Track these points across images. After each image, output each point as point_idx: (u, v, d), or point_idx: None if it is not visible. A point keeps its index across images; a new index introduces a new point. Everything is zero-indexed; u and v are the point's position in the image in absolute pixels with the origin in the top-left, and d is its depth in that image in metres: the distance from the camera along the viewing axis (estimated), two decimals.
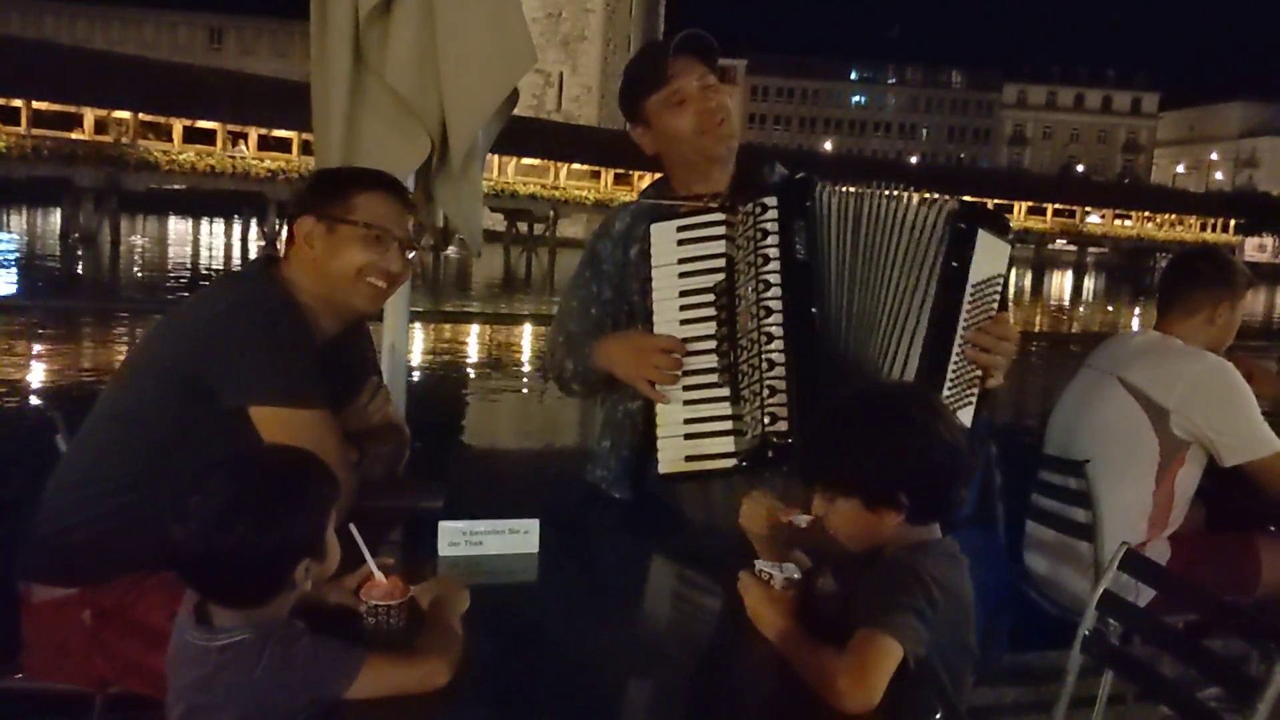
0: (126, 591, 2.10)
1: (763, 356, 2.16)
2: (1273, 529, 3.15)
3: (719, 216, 2.29)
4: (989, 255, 2.20)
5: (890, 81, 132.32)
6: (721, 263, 2.27)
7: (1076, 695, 2.30)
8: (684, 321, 2.30)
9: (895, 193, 2.20)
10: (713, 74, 2.45)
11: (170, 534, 1.52)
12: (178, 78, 45.70)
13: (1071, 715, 2.32)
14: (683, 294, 2.31)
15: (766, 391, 2.15)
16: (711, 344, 2.26)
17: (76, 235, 40.22)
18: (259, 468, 1.62)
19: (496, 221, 52.84)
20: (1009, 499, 3.43)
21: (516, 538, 2.11)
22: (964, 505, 1.92)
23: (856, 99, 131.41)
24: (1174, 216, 77.97)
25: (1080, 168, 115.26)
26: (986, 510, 3.47)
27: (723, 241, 2.28)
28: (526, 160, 52.63)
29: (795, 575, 1.82)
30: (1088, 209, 77.14)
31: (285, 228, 2.31)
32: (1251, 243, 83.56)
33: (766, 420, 2.14)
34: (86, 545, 2.11)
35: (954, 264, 2.16)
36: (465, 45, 2.75)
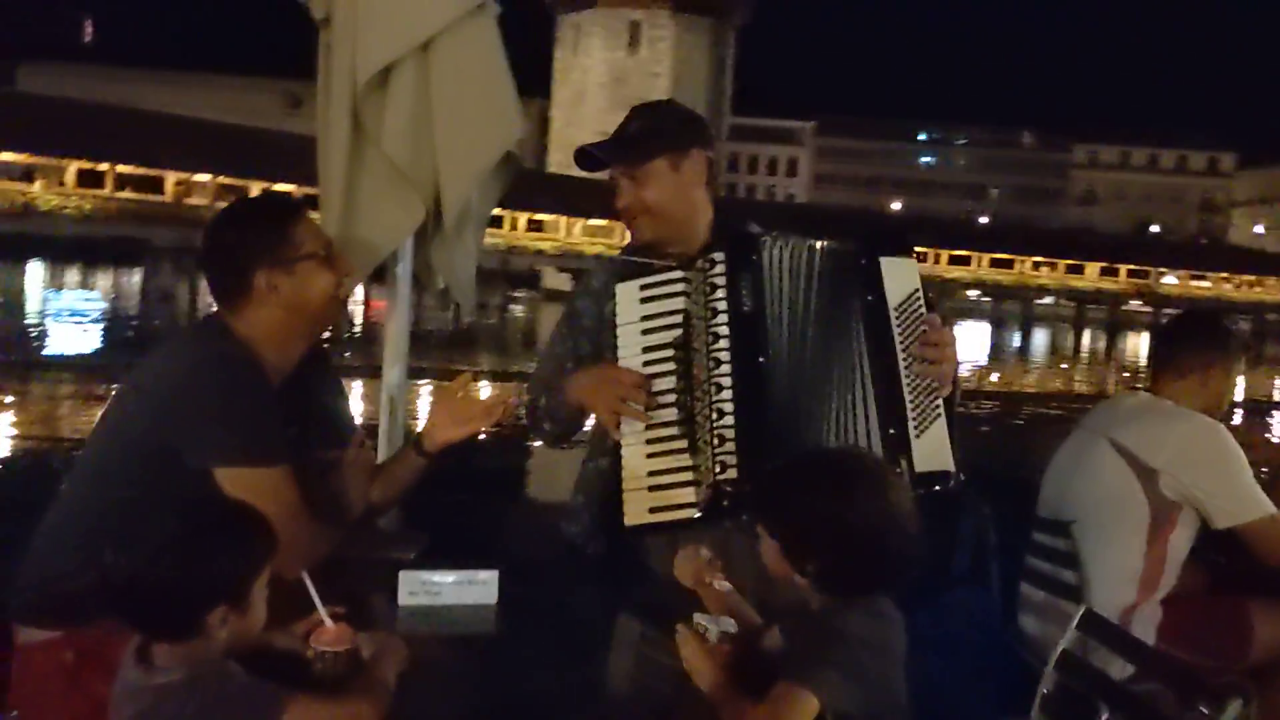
0: (105, 635, 2.18)
1: (713, 406, 2.23)
2: (1266, 594, 3.09)
3: (678, 274, 2.37)
4: (899, 276, 2.26)
5: (959, 142, 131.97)
6: (680, 319, 2.34)
7: None
8: (647, 377, 2.36)
9: (813, 242, 2.29)
10: (638, 165, 2.49)
11: (105, 560, 1.62)
12: (255, 141, 47.24)
13: None
14: (645, 349, 2.37)
15: (717, 440, 2.21)
16: (672, 397, 2.32)
17: (156, 293, 41.44)
18: (195, 511, 1.72)
19: (562, 282, 53.47)
20: (1005, 560, 3.42)
21: (475, 588, 2.19)
22: (873, 591, 1.94)
23: (924, 159, 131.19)
24: (1252, 277, 76.40)
25: (1154, 228, 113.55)
26: (981, 571, 3.47)
27: (682, 298, 2.35)
28: (594, 221, 53.43)
29: (730, 630, 1.87)
30: (1162, 270, 75.96)
31: (223, 283, 2.38)
32: None
33: (717, 469, 2.20)
34: (68, 590, 2.21)
35: (869, 298, 2.23)
36: (458, 115, 2.87)
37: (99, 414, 2.42)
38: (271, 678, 1.68)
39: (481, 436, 2.59)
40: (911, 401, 2.22)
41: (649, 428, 2.32)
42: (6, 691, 2.29)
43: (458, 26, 2.85)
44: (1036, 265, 76.77)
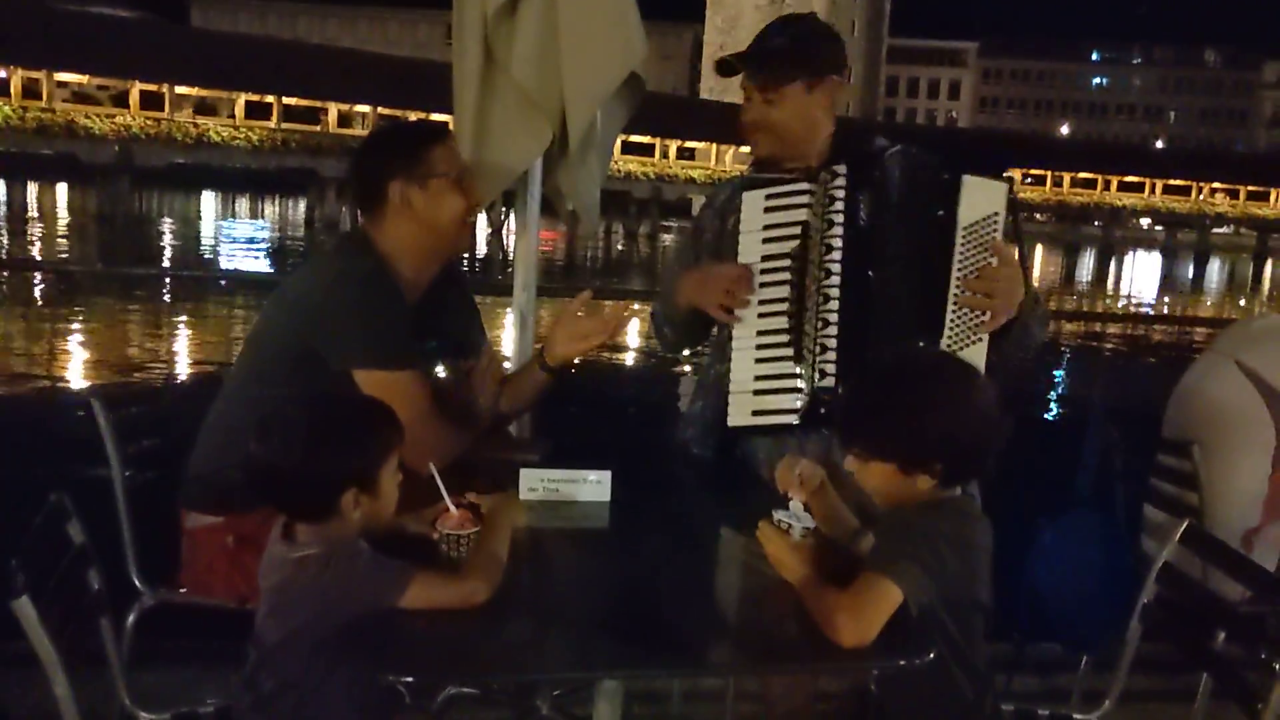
0: (263, 521, 2.41)
1: (819, 316, 2.31)
2: None
3: (804, 185, 2.44)
4: (980, 197, 2.28)
5: (1135, 61, 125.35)
6: (799, 229, 2.42)
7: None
8: (762, 285, 2.45)
9: (918, 156, 2.34)
10: (776, 85, 2.53)
11: (249, 448, 1.82)
12: (414, 72, 48.25)
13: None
14: (764, 258, 2.46)
15: (820, 349, 2.30)
16: (784, 305, 2.41)
17: (321, 222, 43.11)
18: (327, 405, 1.92)
19: None
20: (1130, 483, 3.40)
21: (590, 486, 2.33)
22: (992, 472, 2.02)
23: (1098, 80, 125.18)
24: None
25: None
26: (1106, 494, 3.45)
27: (805, 210, 2.42)
28: (745, 149, 52.92)
29: (811, 525, 1.96)
30: None
31: (362, 196, 2.58)
32: None
33: (817, 376, 2.29)
34: (228, 481, 2.45)
35: (940, 213, 2.27)
36: (583, 40, 2.96)
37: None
38: (401, 556, 1.85)
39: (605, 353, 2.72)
40: (950, 323, 2.27)
41: (759, 334, 2.42)
42: (179, 570, 2.57)
43: None
44: (1216, 192, 72.66)
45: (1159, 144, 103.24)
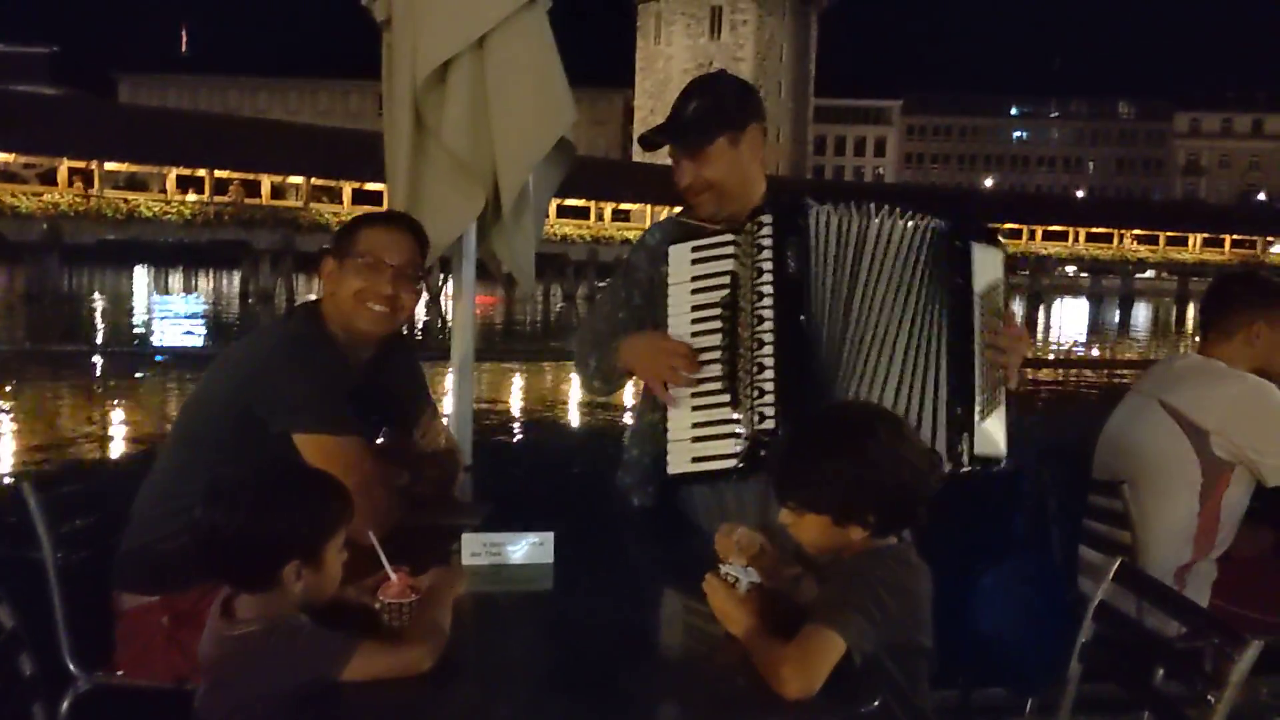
0: (200, 598, 2.38)
1: (754, 361, 2.34)
2: None
3: (729, 237, 2.49)
4: (986, 264, 2.36)
5: (1053, 115, 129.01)
6: (728, 279, 2.46)
7: None
8: (695, 334, 2.49)
9: (887, 212, 2.38)
10: (700, 146, 2.62)
11: (194, 514, 1.80)
12: (348, 143, 48.32)
13: None
14: (694, 309, 2.50)
15: (756, 393, 2.33)
16: (717, 353, 2.45)
17: (255, 295, 42.70)
18: (276, 474, 1.90)
19: None
20: (1064, 524, 3.46)
21: (533, 548, 2.32)
22: (922, 520, 2.06)
23: (1018, 134, 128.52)
24: None
25: (1262, 196, 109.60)
26: (1040, 536, 3.51)
27: (731, 260, 2.47)
28: (678, 209, 53.45)
29: (757, 580, 1.97)
30: (1270, 239, 73.39)
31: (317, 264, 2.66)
32: None
33: (756, 420, 2.32)
34: (164, 557, 2.41)
35: (959, 280, 2.33)
36: (512, 106, 3.02)
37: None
38: (342, 626, 1.83)
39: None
40: (980, 386, 2.32)
41: (696, 380, 2.45)
42: (113, 653, 2.51)
43: (510, 22, 2.98)
44: (1137, 239, 74.71)
45: (1080, 194, 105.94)
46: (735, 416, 2.38)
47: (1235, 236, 73.66)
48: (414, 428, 2.77)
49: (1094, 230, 73.86)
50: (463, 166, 3.08)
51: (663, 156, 2.73)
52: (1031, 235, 72.69)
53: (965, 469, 2.32)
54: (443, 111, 3.04)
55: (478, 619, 2.16)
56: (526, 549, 2.32)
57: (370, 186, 47.09)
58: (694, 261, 2.50)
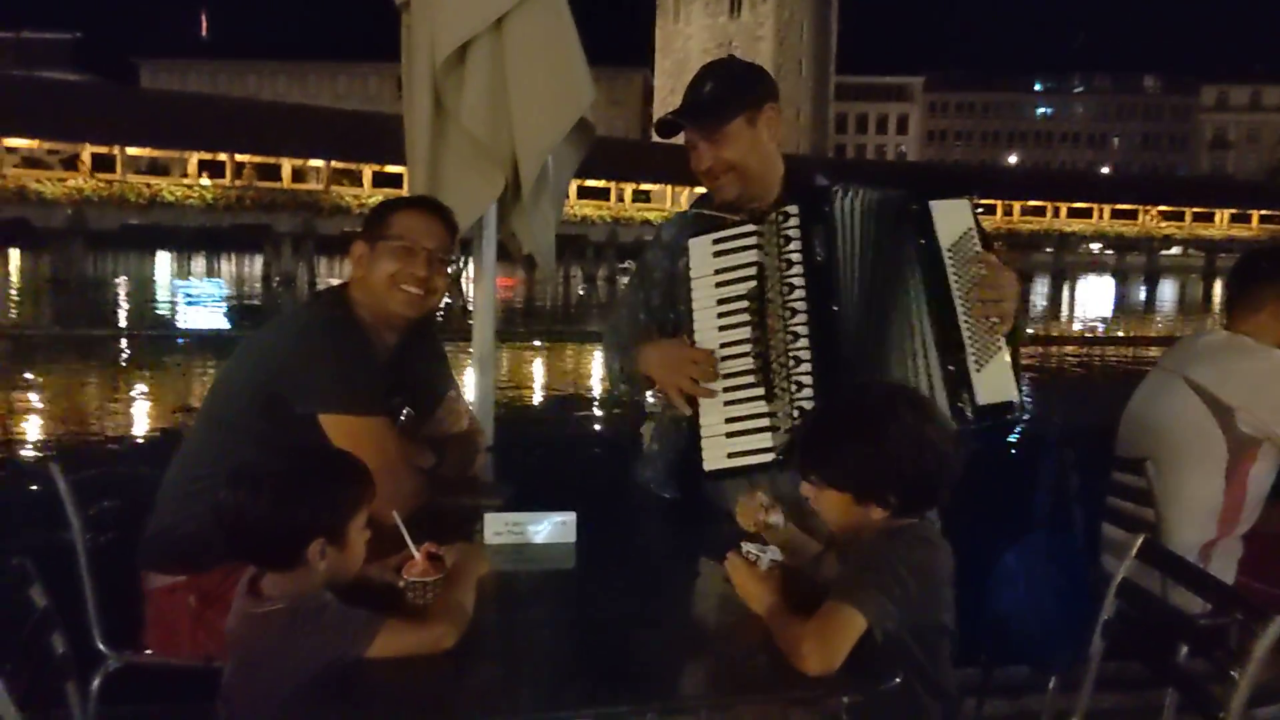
0: (225, 577, 2.41)
1: (789, 354, 2.34)
2: None
3: (750, 228, 2.47)
4: (951, 217, 2.34)
5: (1077, 90, 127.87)
6: (754, 270, 2.45)
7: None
8: (722, 328, 2.47)
9: (871, 192, 2.38)
10: (718, 127, 2.59)
11: (219, 496, 1.82)
12: (367, 126, 48.40)
13: None
14: (720, 302, 2.49)
15: (795, 387, 2.33)
16: (747, 347, 2.43)
17: (278, 279, 42.90)
18: (301, 455, 1.93)
19: None
20: (1087, 502, 3.45)
21: (556, 528, 2.34)
22: (943, 501, 2.06)
23: (1041, 110, 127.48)
24: None
25: None
26: (1063, 514, 3.50)
27: (754, 251, 2.45)
28: (700, 189, 53.34)
29: (779, 558, 1.98)
30: None
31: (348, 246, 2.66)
32: None
33: (796, 414, 2.32)
34: (190, 538, 2.44)
35: (921, 241, 2.32)
36: (531, 87, 3.01)
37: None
38: (367, 605, 1.86)
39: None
40: (970, 337, 2.30)
41: (725, 376, 2.44)
42: (142, 632, 2.54)
43: (528, 2, 2.98)
44: (1163, 215, 74.03)
45: (1104, 170, 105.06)
46: (770, 409, 2.37)
47: (1263, 212, 72.85)
48: (437, 409, 2.79)
49: (1119, 207, 73.22)
50: (482, 148, 3.08)
51: (679, 140, 2.72)
52: (1055, 212, 72.15)
53: (974, 424, 2.29)
54: (462, 94, 3.05)
55: (500, 598, 2.18)
56: (549, 529, 2.34)
57: (390, 169, 47.23)
58: (716, 254, 2.49)
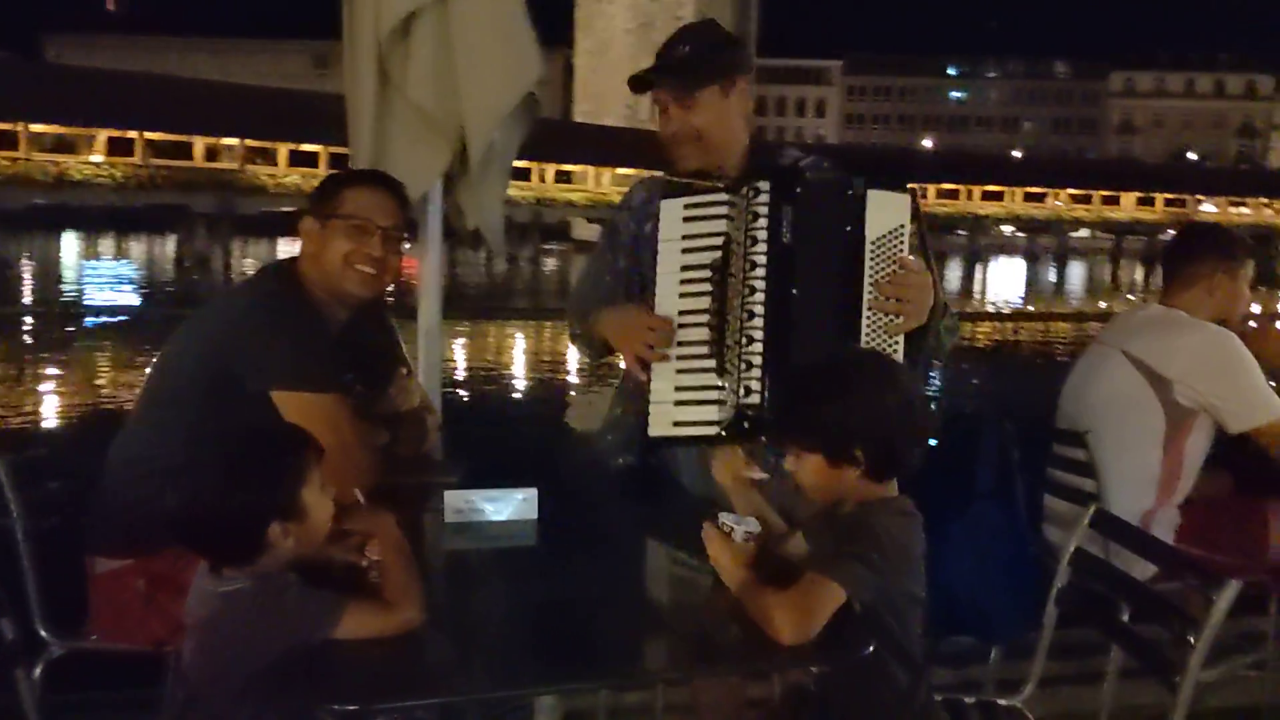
0: (175, 560, 2.34)
1: (744, 332, 2.32)
2: None
3: (723, 196, 2.43)
4: (886, 209, 2.33)
5: (990, 75, 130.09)
6: (720, 241, 2.41)
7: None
8: (683, 295, 2.44)
9: (827, 175, 2.39)
10: (690, 92, 2.56)
11: (165, 499, 1.77)
12: (284, 103, 47.41)
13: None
14: (684, 269, 2.45)
15: (744, 365, 2.31)
16: (705, 318, 2.41)
17: (191, 260, 41.89)
18: (230, 443, 1.85)
19: (592, 233, 53.54)
20: (1028, 475, 3.52)
21: (516, 505, 2.32)
22: (917, 465, 2.08)
23: (956, 94, 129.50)
24: None
25: (1193, 155, 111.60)
26: (1005, 487, 3.56)
27: (724, 221, 2.41)
28: (623, 171, 53.27)
29: (754, 530, 1.99)
30: (1200, 198, 74.83)
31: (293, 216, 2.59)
32: None
33: (742, 392, 2.30)
34: (138, 519, 2.37)
35: (848, 228, 2.31)
36: (478, 59, 2.96)
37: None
38: (330, 586, 1.82)
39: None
40: (866, 334, 2.31)
41: (679, 344, 2.42)
42: (86, 618, 2.47)
43: None
44: (1072, 198, 75.74)
45: (1016, 153, 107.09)
46: (719, 383, 2.36)
47: (1168, 195, 74.88)
48: (389, 386, 2.74)
49: (1030, 190, 74.69)
50: (429, 121, 3.03)
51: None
52: (969, 195, 73.40)
53: None
54: (407, 66, 2.99)
55: (462, 576, 2.16)
56: (510, 505, 2.32)
57: (306, 147, 46.37)
58: (686, 219, 2.46)
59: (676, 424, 2.41)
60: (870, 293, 2.31)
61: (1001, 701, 2.46)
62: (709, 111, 2.56)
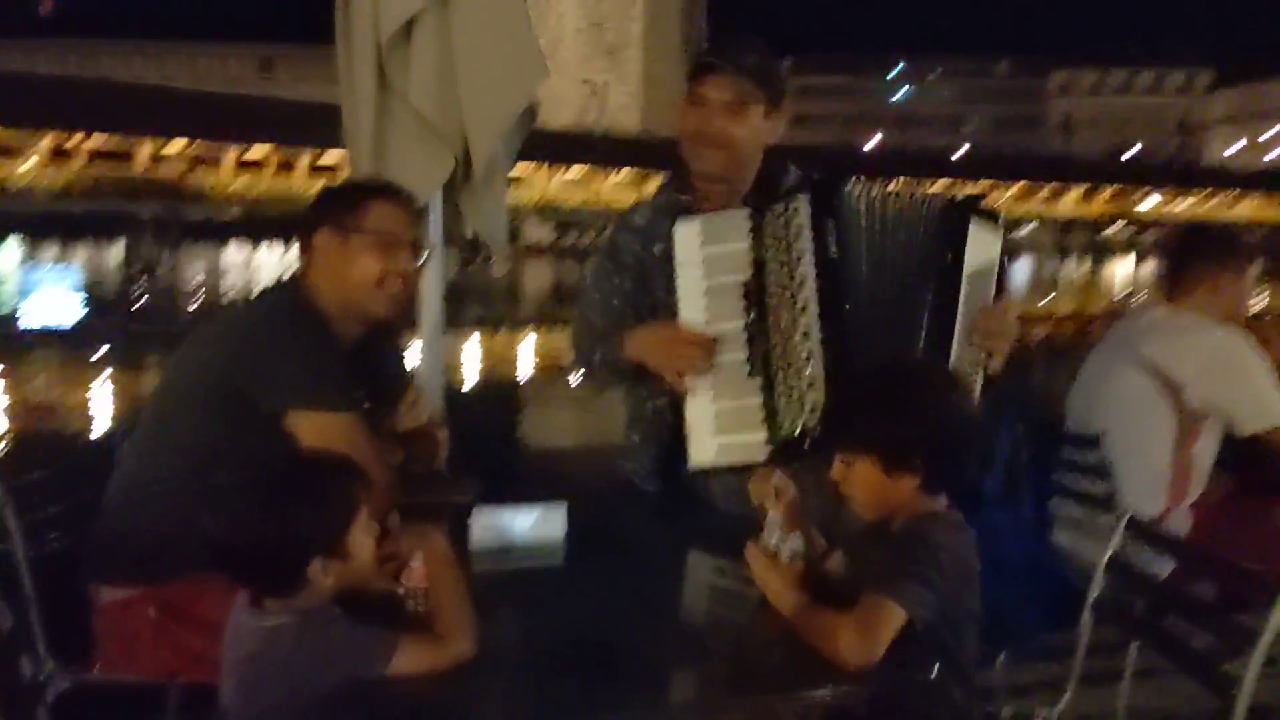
0: (187, 588, 2.25)
1: (800, 350, 2.25)
2: None
3: (744, 213, 2.38)
4: (981, 246, 2.28)
5: (934, 74, 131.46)
6: (747, 259, 2.35)
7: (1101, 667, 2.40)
8: (710, 318, 2.37)
9: (905, 191, 2.31)
10: (746, 101, 2.49)
11: (205, 526, 1.68)
12: (228, 108, 46.77)
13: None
14: (708, 291, 2.39)
15: (805, 384, 2.24)
16: (741, 339, 2.34)
17: (138, 267, 41.14)
18: (279, 472, 1.78)
19: (544, 235, 53.37)
20: (1035, 478, 3.50)
21: (545, 523, 2.25)
22: (973, 479, 2.04)
23: (901, 93, 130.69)
24: (1232, 195, 76.63)
25: (1132, 151, 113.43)
26: (1014, 490, 3.55)
27: (748, 239, 2.35)
28: (572, 173, 53.16)
29: (800, 548, 1.94)
30: (1140, 192, 76.13)
31: (299, 240, 2.45)
32: None
33: (808, 410, 2.23)
34: (146, 546, 2.28)
35: (949, 258, 2.25)
36: (481, 65, 2.90)
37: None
38: (368, 617, 1.74)
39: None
40: (954, 362, 2.26)
41: (715, 370, 2.35)
42: (92, 649, 2.36)
43: None
44: (1017, 194, 76.78)
45: (961, 151, 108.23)
46: (766, 404, 2.29)
47: (1110, 190, 76.09)
48: (399, 403, 2.66)
49: (976, 188, 75.62)
50: (430, 128, 2.95)
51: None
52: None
53: None
54: (409, 71, 2.92)
55: (497, 601, 2.08)
56: (537, 522, 2.25)
57: (254, 150, 45.80)
58: (704, 241, 2.40)
59: (720, 451, 2.34)
60: (961, 328, 2.25)
61: (1042, 713, 2.41)
62: (749, 126, 2.50)
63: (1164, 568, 2.67)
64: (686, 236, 2.42)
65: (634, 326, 2.56)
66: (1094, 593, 2.36)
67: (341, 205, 2.43)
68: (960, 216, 2.27)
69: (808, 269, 2.25)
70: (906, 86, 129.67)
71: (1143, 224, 71.78)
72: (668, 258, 2.46)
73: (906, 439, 1.91)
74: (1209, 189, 77.36)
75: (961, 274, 2.25)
